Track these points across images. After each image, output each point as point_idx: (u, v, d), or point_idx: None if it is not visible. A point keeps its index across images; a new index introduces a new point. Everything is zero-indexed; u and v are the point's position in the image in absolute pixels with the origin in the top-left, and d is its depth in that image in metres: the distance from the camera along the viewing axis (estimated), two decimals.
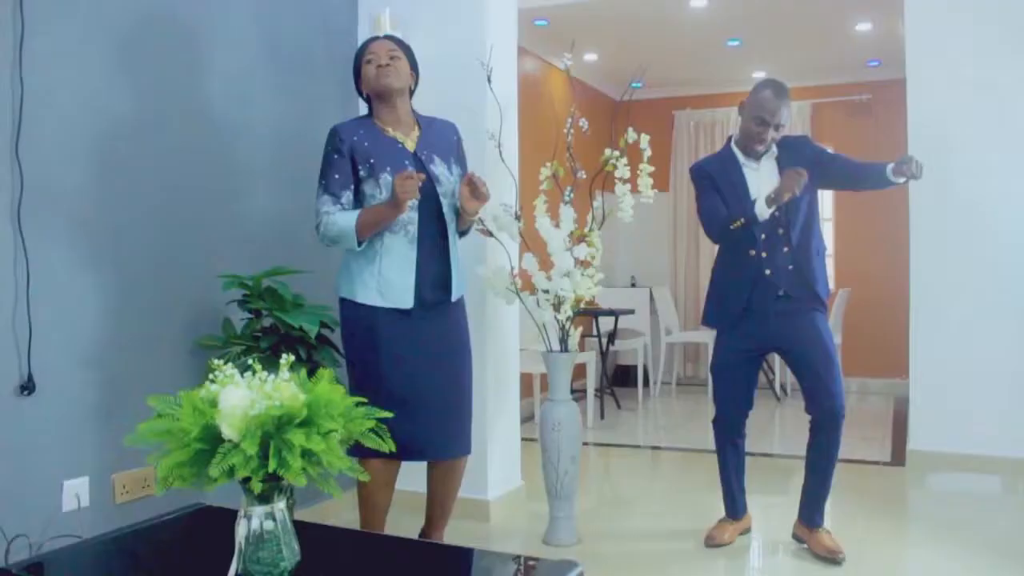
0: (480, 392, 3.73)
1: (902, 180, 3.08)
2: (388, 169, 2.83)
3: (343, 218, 2.81)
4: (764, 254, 3.22)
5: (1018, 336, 4.44)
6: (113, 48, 2.89)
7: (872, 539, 3.38)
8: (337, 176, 2.85)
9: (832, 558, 3.16)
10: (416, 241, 2.87)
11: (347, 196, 2.85)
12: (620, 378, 7.75)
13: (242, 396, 1.63)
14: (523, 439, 4.12)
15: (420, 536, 3.16)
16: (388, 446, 1.74)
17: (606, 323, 6.68)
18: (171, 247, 3.07)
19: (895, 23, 5.76)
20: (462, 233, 3.07)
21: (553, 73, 6.84)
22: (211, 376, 1.72)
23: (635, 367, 7.29)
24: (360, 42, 3.86)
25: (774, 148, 3.30)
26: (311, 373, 2.87)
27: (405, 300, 2.85)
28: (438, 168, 2.92)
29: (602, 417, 6.40)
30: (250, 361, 1.75)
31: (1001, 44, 4.47)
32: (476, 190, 2.87)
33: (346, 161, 2.85)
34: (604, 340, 6.69)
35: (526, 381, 5.32)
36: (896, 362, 5.53)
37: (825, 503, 3.30)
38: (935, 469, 4.53)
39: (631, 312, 6.80)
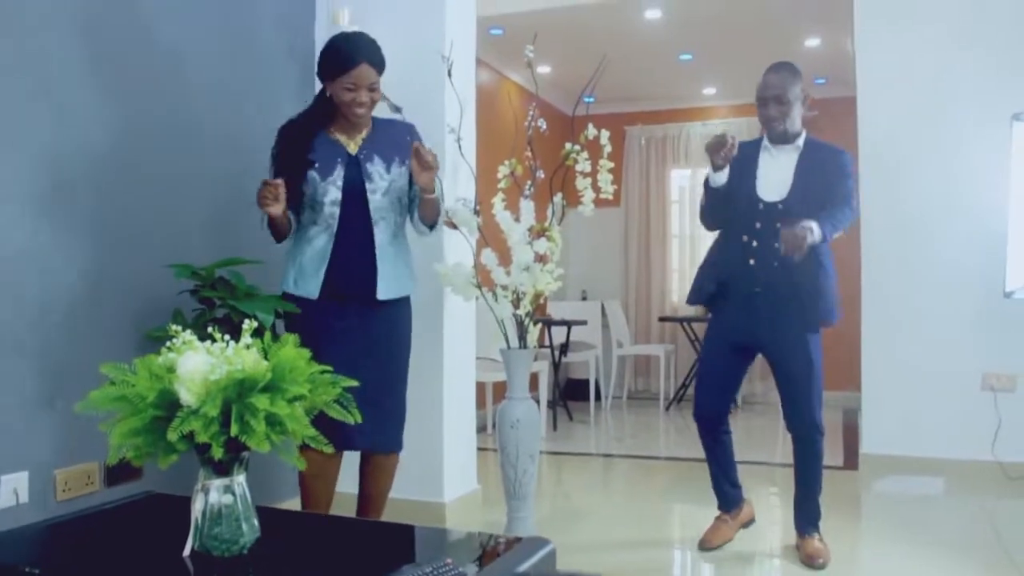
0: (436, 394, 3.67)
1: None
2: (316, 166, 2.89)
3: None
4: (755, 243, 3.15)
5: (962, 346, 4.58)
6: (67, 31, 2.79)
7: (829, 539, 3.39)
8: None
9: (808, 563, 3.12)
10: (335, 235, 2.90)
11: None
12: (572, 391, 7.73)
13: (202, 361, 1.57)
14: (477, 448, 4.05)
15: None
16: (355, 416, 1.69)
17: (558, 334, 6.66)
18: (120, 235, 2.96)
19: (842, 41, 5.90)
20: (431, 226, 3.06)
21: (507, 85, 6.84)
22: (168, 344, 1.65)
23: (587, 381, 7.28)
24: (317, 35, 3.83)
25: (800, 142, 3.22)
26: None
27: (311, 291, 2.89)
28: (375, 167, 2.94)
29: (555, 428, 6.37)
30: (210, 329, 1.68)
31: (949, 64, 4.60)
32: (422, 159, 2.85)
33: (288, 163, 2.87)
34: (556, 352, 6.67)
35: (479, 390, 5.26)
36: (845, 375, 5.61)
37: (813, 511, 3.24)
38: (885, 472, 4.62)
39: (584, 323, 6.81)
